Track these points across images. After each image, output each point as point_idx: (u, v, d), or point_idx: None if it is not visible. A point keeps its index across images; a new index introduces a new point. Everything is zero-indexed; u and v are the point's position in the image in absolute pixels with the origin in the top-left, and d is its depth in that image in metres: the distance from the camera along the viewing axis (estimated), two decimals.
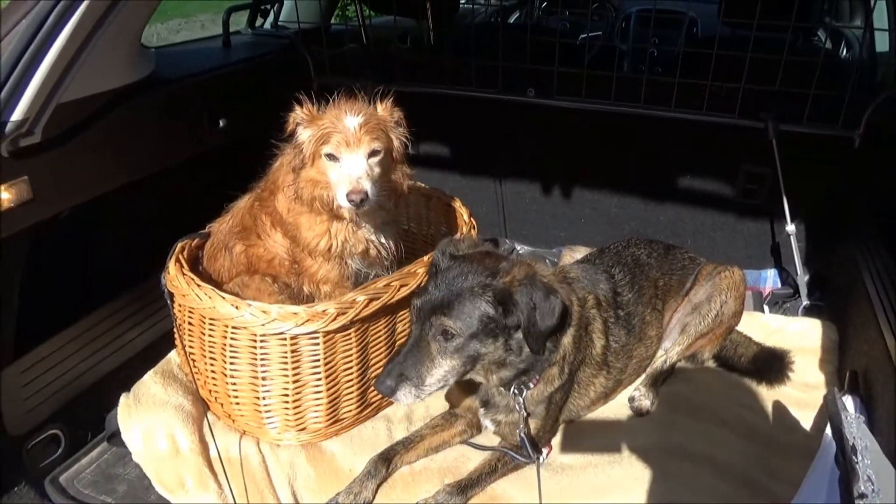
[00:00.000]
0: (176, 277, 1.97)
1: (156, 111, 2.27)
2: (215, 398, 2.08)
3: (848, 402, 1.98)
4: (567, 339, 1.92)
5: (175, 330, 2.13)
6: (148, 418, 2.06)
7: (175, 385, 2.18)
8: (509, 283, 1.67)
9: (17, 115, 1.74)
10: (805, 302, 2.81)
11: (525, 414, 1.86)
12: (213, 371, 2.04)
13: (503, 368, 1.78)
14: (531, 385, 1.86)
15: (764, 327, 2.63)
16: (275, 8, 3.22)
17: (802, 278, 2.80)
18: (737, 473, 1.96)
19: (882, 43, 3.32)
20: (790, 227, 2.71)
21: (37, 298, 1.95)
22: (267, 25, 3.33)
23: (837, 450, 1.52)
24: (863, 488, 1.41)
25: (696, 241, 3.04)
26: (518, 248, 3.41)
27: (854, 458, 1.47)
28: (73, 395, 2.10)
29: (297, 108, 2.00)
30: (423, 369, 1.66)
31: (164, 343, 2.35)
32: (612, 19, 4.89)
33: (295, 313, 1.85)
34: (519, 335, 1.72)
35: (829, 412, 1.71)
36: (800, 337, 2.55)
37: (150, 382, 2.18)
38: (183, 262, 2.05)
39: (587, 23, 4.54)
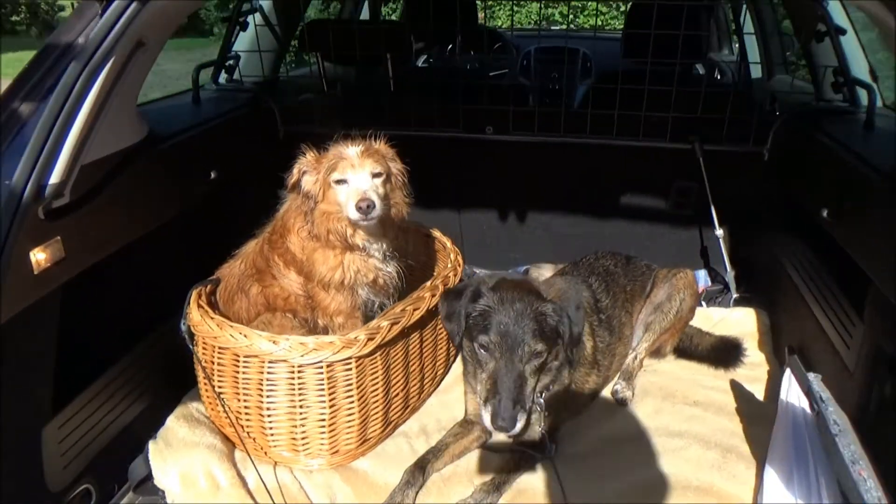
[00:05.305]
0: (204, 321, 2.08)
1: (159, 167, 2.36)
2: (248, 433, 2.18)
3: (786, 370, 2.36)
4: None
5: (199, 371, 2.21)
6: (183, 460, 2.13)
7: (201, 427, 2.26)
8: (556, 300, 1.94)
9: (54, 178, 1.82)
10: (734, 295, 3.25)
11: (546, 414, 2.11)
12: (246, 407, 2.15)
13: (546, 375, 2.05)
14: (550, 388, 2.12)
15: (707, 319, 3.03)
16: (235, 62, 3.35)
17: (730, 275, 3.25)
18: (717, 442, 2.29)
19: (755, 70, 3.99)
20: (719, 232, 3.15)
21: (66, 354, 1.99)
22: (222, 80, 3.44)
23: (811, 402, 1.88)
24: (833, 430, 1.78)
25: (637, 250, 3.42)
26: (477, 271, 3.67)
27: (821, 406, 1.83)
28: (99, 448, 2.12)
29: (302, 157, 2.18)
30: (524, 393, 1.88)
31: (173, 388, 2.41)
32: (512, 58, 5.36)
33: (330, 342, 2.02)
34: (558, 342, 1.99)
35: (795, 376, 2.09)
36: (739, 324, 2.98)
37: (175, 427, 2.25)
38: (205, 306, 2.15)
39: (493, 62, 4.96)
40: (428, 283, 2.38)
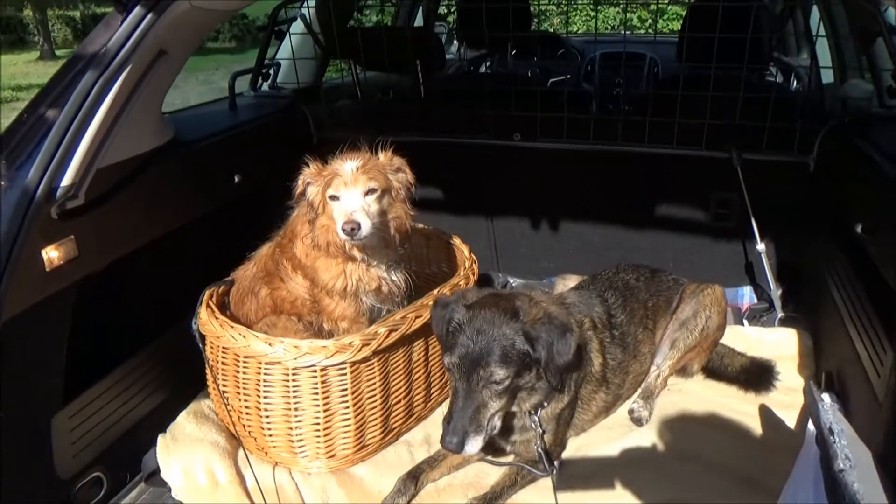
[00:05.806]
0: (209, 321, 2.14)
1: (180, 171, 2.46)
2: (249, 432, 2.23)
3: (825, 398, 2.19)
4: None
5: (208, 370, 2.28)
6: (186, 455, 2.20)
7: (208, 423, 2.32)
8: (531, 322, 1.85)
9: (66, 180, 1.93)
10: (780, 314, 3.04)
11: (541, 431, 2.04)
12: (246, 406, 2.20)
13: (534, 395, 1.98)
14: (545, 405, 2.05)
15: (744, 339, 2.85)
16: (273, 70, 3.46)
17: (776, 293, 3.04)
18: (734, 471, 2.15)
19: (827, 75, 3.70)
20: (760, 246, 2.95)
21: (79, 347, 2.10)
22: (265, 87, 3.55)
23: (817, 433, 1.73)
24: (841, 465, 1.63)
25: (676, 264, 3.27)
26: (511, 281, 3.62)
27: (832, 439, 1.68)
28: (113, 439, 2.22)
29: (305, 169, 2.22)
30: (481, 417, 1.82)
31: (190, 385, 2.50)
32: (578, 63, 5.23)
33: (324, 346, 2.04)
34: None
35: (807, 403, 1.93)
36: (778, 345, 2.78)
37: (184, 422, 2.33)
38: (213, 307, 2.22)
39: (555, 67, 4.85)
40: (435, 291, 2.35)
